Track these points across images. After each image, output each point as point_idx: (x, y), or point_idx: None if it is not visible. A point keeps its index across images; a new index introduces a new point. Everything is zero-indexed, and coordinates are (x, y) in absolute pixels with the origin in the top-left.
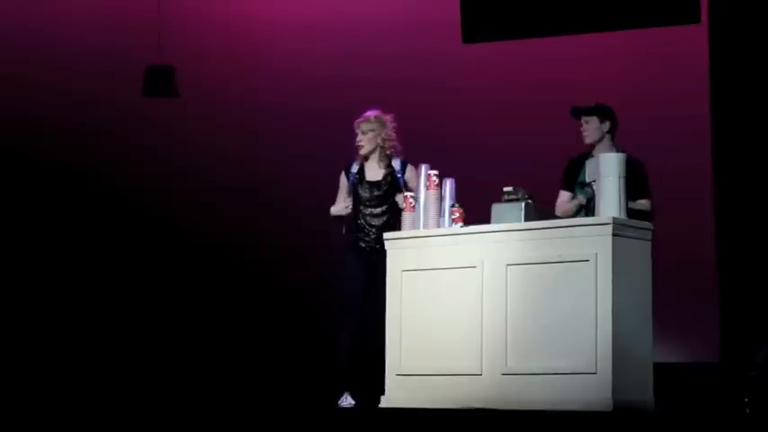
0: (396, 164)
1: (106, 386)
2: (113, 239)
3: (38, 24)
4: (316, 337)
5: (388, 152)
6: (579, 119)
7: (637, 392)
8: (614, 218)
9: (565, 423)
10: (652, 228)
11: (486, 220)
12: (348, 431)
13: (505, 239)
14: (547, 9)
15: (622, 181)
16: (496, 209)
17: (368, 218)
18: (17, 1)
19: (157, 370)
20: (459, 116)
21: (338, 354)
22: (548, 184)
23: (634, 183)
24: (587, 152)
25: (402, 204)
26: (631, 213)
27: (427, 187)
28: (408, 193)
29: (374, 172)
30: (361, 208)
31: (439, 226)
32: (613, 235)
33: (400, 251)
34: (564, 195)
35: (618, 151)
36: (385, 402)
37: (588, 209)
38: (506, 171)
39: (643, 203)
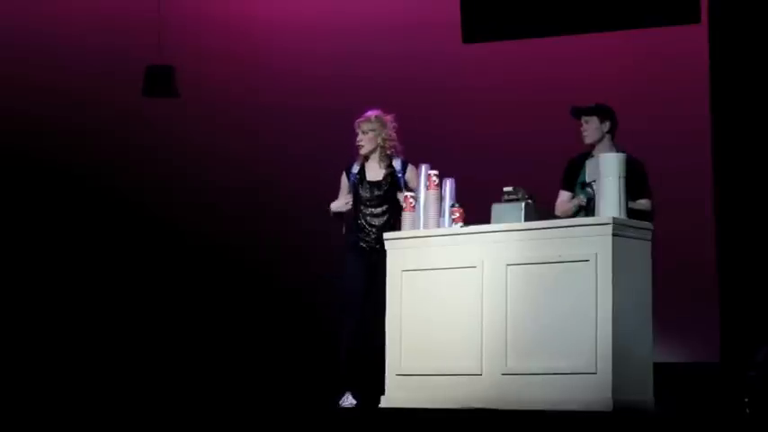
0: (396, 164)
1: (106, 386)
2: (114, 239)
3: (38, 24)
4: (316, 337)
5: (388, 152)
6: (579, 119)
7: (637, 392)
8: (614, 218)
9: (565, 423)
10: (652, 228)
11: (486, 220)
12: (348, 431)
13: (505, 239)
14: (547, 9)
15: (622, 181)
16: (496, 209)
17: (368, 218)
18: (17, 1)
19: (158, 370)
20: (459, 116)
21: (338, 354)
22: (548, 184)
23: (634, 183)
24: (587, 152)
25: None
26: (631, 213)
27: (427, 187)
28: (408, 193)
29: (375, 172)
30: (362, 208)
31: (439, 226)
32: (613, 235)
33: (400, 251)
34: (564, 195)
35: (618, 151)
36: (385, 402)
37: (588, 209)
38: (506, 171)
39: (643, 203)
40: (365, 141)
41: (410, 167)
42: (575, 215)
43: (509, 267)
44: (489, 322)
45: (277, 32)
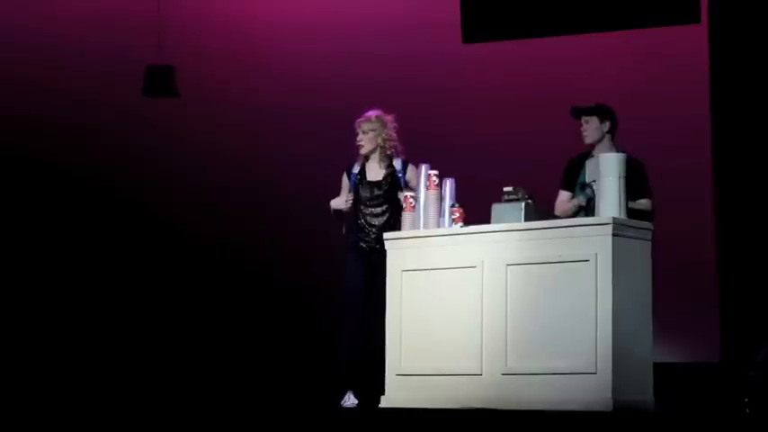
0: (397, 164)
1: (106, 386)
2: (114, 239)
3: (38, 24)
4: (316, 337)
5: (388, 152)
6: (579, 119)
7: (637, 392)
8: (614, 218)
9: (565, 423)
10: (652, 228)
11: (486, 220)
12: (348, 431)
13: (505, 239)
14: (547, 9)
15: (622, 181)
16: (496, 209)
17: (368, 217)
18: (17, 1)
19: (158, 370)
20: (459, 116)
21: (339, 354)
22: (548, 184)
23: (634, 183)
24: (587, 152)
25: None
26: (631, 213)
27: (427, 187)
28: (408, 193)
29: (375, 172)
30: (362, 208)
31: (439, 226)
32: (613, 235)
33: (400, 251)
34: (563, 195)
35: (618, 151)
36: (385, 402)
37: (588, 209)
38: (506, 171)
39: (643, 203)
40: (365, 141)
41: (410, 167)
42: (575, 215)
43: (509, 267)
44: (489, 322)
45: (277, 32)
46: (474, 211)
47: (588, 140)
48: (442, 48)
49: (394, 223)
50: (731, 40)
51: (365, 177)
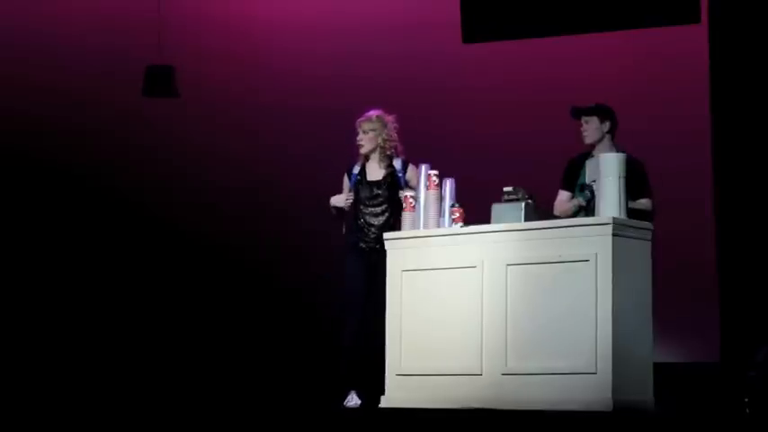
0: (397, 163)
1: (106, 386)
2: (113, 239)
3: (38, 24)
4: (316, 337)
5: (388, 152)
6: (579, 119)
7: (637, 392)
8: (614, 218)
9: (565, 423)
10: (652, 228)
11: (486, 220)
12: (348, 431)
13: (505, 239)
14: (547, 9)
15: (622, 181)
16: (496, 209)
17: (368, 217)
18: (17, 1)
19: (158, 370)
20: (459, 116)
21: (339, 354)
22: (548, 184)
23: (634, 183)
24: (587, 152)
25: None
26: (631, 213)
27: (427, 187)
28: (408, 193)
29: (375, 172)
30: (362, 208)
31: (439, 226)
32: (613, 235)
33: (400, 251)
34: (563, 195)
35: (618, 151)
36: (385, 402)
37: (588, 209)
38: (506, 171)
39: (643, 203)
40: (365, 141)
41: (411, 167)
42: (574, 215)
43: (509, 267)
44: (489, 322)
45: (277, 32)
46: (474, 211)
47: (588, 140)
48: (442, 48)
49: (394, 223)
50: (731, 40)
51: (365, 177)
